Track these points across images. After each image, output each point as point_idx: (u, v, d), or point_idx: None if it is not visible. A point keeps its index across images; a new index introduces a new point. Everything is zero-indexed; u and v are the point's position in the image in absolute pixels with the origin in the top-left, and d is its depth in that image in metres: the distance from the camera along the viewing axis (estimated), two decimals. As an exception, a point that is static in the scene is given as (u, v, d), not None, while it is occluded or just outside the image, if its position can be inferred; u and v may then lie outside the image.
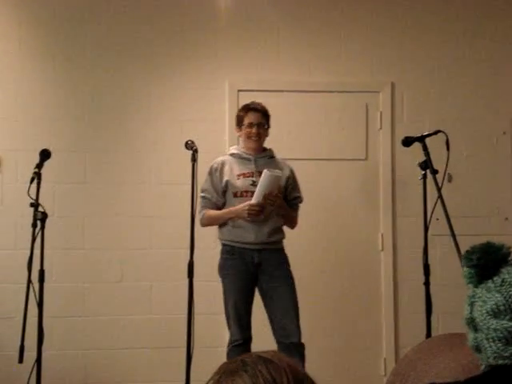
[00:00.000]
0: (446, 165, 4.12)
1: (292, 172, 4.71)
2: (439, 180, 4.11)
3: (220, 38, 5.55)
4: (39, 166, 4.18)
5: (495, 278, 1.80)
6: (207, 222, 4.63)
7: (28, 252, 3.99)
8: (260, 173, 4.49)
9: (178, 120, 5.46)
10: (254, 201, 4.39)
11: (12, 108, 5.36)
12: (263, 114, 4.63)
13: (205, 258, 5.12)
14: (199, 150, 4.36)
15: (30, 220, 4.06)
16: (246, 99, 5.45)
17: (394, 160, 5.61)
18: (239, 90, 5.51)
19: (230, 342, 4.52)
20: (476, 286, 1.85)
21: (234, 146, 4.75)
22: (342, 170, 5.47)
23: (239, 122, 4.64)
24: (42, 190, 4.11)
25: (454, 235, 3.91)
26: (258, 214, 4.41)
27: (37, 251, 4.01)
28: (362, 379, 5.50)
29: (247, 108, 4.63)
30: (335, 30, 5.64)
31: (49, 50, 5.41)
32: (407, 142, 4.39)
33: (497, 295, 1.78)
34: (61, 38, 5.42)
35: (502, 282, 1.79)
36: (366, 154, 5.63)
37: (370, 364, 5.55)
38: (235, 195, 4.52)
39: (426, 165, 4.20)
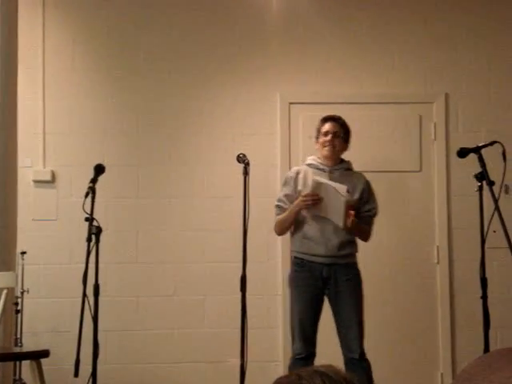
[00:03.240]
0: (503, 176, 4.02)
1: (367, 184, 4.66)
2: (496, 191, 4.02)
3: (271, 51, 5.55)
4: (93, 180, 4.21)
5: None
6: (279, 228, 4.65)
7: (83, 266, 4.02)
8: None
9: (230, 133, 5.47)
10: (309, 191, 4.41)
11: (66, 124, 5.44)
12: (340, 125, 4.64)
13: (257, 271, 5.12)
14: (251, 163, 4.35)
15: (85, 234, 4.10)
16: (297, 112, 5.46)
17: (449, 171, 5.53)
18: (291, 103, 5.50)
19: (293, 355, 4.49)
20: None
21: (312, 157, 4.72)
22: (396, 182, 5.42)
23: (317, 133, 4.67)
24: (96, 204, 4.14)
25: (511, 247, 3.82)
26: (314, 203, 4.40)
27: (91, 265, 4.05)
28: (418, 395, 5.42)
29: (325, 118, 4.67)
30: (387, 42, 5.60)
31: (102, 66, 5.49)
32: (462, 153, 4.30)
33: None
34: (113, 53, 5.49)
35: None
36: (421, 165, 5.56)
37: (427, 379, 5.46)
38: None
39: (482, 176, 4.12)
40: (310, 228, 4.48)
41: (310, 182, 4.51)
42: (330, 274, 4.47)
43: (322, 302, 4.53)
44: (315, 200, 4.40)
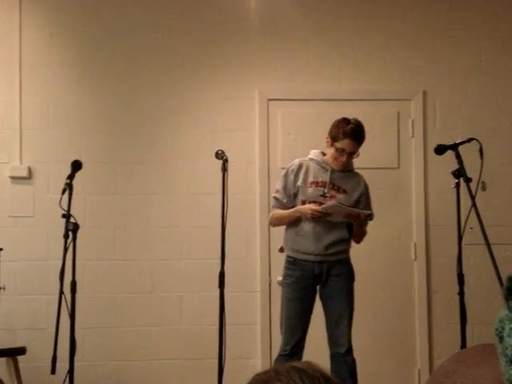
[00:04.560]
0: (480, 173, 4.06)
1: (366, 188, 4.63)
2: (473, 188, 4.04)
3: (249, 47, 5.54)
4: (71, 177, 4.19)
5: None
6: (275, 222, 4.66)
7: (60, 263, 4.00)
8: (333, 185, 4.48)
9: (208, 130, 5.46)
10: (322, 207, 4.37)
11: (43, 120, 5.40)
12: (359, 143, 4.46)
13: (236, 268, 5.12)
14: (229, 160, 4.34)
15: (62, 231, 4.07)
16: (275, 108, 5.46)
17: (427, 168, 5.56)
18: (269, 99, 5.50)
19: (279, 351, 4.50)
20: None
21: (316, 151, 4.61)
22: (374, 179, 5.40)
23: (333, 137, 4.46)
24: (73, 201, 4.12)
25: (488, 244, 3.84)
26: (320, 217, 4.39)
27: (68, 262, 4.02)
28: (395, 390, 5.45)
29: (346, 133, 4.41)
30: (366, 39, 5.61)
31: (79, 62, 5.45)
32: (440, 150, 4.33)
33: None
34: (91, 49, 5.46)
35: None
36: (398, 162, 5.58)
37: (404, 375, 5.49)
38: (303, 203, 4.47)
39: (460, 173, 4.14)
40: (304, 225, 4.47)
41: (311, 179, 4.49)
42: (321, 270, 4.47)
43: (313, 300, 4.52)
44: (325, 215, 4.39)
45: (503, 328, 1.92)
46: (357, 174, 4.63)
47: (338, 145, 4.44)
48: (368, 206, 4.61)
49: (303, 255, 4.47)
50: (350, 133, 4.41)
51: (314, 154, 4.61)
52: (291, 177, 4.53)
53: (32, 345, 5.05)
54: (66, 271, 4.01)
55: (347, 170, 4.58)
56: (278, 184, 4.63)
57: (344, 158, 4.47)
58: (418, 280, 5.53)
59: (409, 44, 5.63)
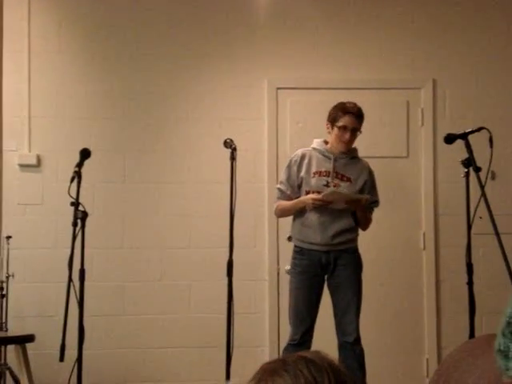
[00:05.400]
0: (490, 162, 4.03)
1: (370, 175, 4.62)
2: (482, 178, 4.03)
3: (259, 36, 5.52)
4: (79, 165, 4.19)
5: None
6: (280, 214, 4.70)
7: (69, 251, 4.01)
8: (337, 174, 4.47)
9: (217, 118, 5.45)
10: (322, 196, 4.36)
11: (52, 108, 5.40)
12: (359, 120, 4.49)
13: (244, 257, 5.12)
14: (238, 148, 4.34)
15: (71, 219, 4.08)
16: (285, 97, 5.44)
17: (436, 157, 5.53)
18: (278, 88, 5.48)
19: (288, 341, 4.51)
20: None
21: (318, 140, 4.61)
22: (383, 168, 5.40)
23: (333, 120, 4.50)
24: (82, 189, 4.13)
25: (497, 234, 3.83)
26: (322, 205, 4.39)
27: (77, 250, 4.03)
28: (403, 379, 5.44)
29: (345, 110, 4.47)
30: (375, 27, 5.58)
31: (88, 50, 5.44)
32: (449, 139, 4.31)
33: None
34: (100, 37, 5.45)
35: None
36: (408, 151, 5.56)
37: (412, 364, 5.49)
38: (307, 193, 4.47)
39: (469, 162, 4.12)
40: (309, 215, 4.47)
41: (314, 169, 4.48)
42: (328, 259, 4.48)
43: (321, 289, 4.53)
44: (325, 204, 4.38)
45: None
46: (360, 161, 4.63)
47: (339, 124, 4.47)
48: (373, 192, 4.61)
49: (310, 245, 4.47)
50: (349, 109, 4.47)
51: (316, 143, 4.61)
52: (294, 168, 4.54)
53: (41, 332, 5.06)
54: (74, 259, 4.02)
55: (351, 156, 4.57)
56: (281, 175, 4.66)
57: (348, 135, 4.47)
58: (426, 269, 5.52)
59: (418, 32, 5.60)
